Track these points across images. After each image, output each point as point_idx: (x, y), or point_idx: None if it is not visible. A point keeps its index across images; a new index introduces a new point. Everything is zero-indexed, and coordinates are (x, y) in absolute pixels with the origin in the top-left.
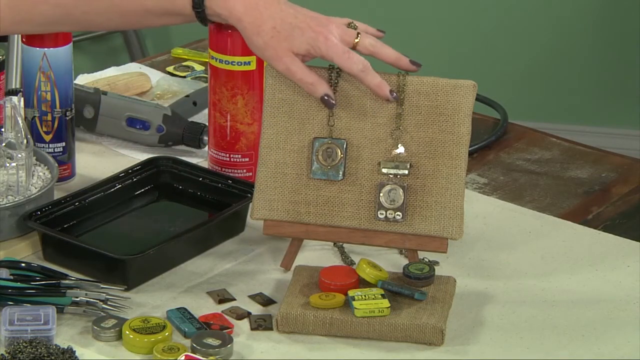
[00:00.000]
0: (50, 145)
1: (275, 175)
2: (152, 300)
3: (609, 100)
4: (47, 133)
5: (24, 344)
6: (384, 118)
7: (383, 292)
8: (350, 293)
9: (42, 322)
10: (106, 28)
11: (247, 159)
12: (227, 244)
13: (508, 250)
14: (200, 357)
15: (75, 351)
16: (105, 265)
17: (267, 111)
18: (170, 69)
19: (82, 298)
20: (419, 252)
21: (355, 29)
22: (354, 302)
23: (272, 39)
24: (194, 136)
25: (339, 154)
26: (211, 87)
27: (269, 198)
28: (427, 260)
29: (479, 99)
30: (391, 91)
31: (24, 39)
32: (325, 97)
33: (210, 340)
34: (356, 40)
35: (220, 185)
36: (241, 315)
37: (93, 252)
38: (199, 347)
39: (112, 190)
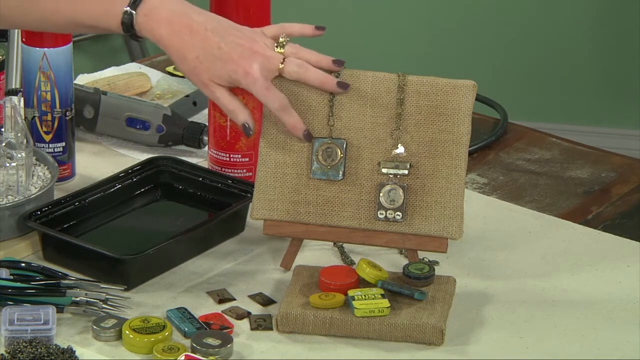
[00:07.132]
0: (50, 145)
1: (275, 175)
2: (152, 300)
3: (609, 100)
4: (47, 133)
5: (24, 344)
6: (384, 118)
7: (383, 292)
8: (350, 293)
9: (42, 322)
10: (39, 30)
11: (247, 159)
12: (227, 244)
13: (508, 250)
14: (200, 357)
15: (75, 351)
16: (105, 265)
17: (267, 111)
18: (170, 69)
19: (82, 298)
20: (419, 252)
21: (284, 46)
22: (353, 302)
23: (195, 68)
24: (194, 136)
25: (339, 154)
26: None
27: (269, 198)
28: (427, 260)
29: (479, 99)
30: (306, 131)
31: (24, 39)
32: (245, 125)
33: (210, 340)
34: (280, 66)
35: (220, 185)
36: (241, 315)
37: (93, 252)
38: (199, 347)
39: (112, 190)
